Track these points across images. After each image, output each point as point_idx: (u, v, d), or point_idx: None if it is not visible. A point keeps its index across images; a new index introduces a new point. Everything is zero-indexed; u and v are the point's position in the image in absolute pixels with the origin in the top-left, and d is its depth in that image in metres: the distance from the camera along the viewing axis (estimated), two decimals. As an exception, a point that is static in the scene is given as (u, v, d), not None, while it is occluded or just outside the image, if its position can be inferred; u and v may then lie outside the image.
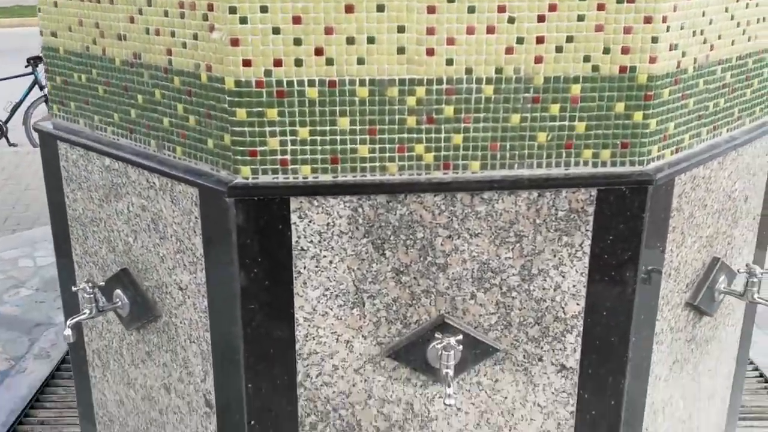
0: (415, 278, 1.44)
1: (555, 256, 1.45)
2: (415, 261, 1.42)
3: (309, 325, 1.45)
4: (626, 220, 1.44)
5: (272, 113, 1.33)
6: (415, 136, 1.36)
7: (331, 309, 1.44)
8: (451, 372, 1.39)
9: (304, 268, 1.41)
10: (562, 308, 1.49)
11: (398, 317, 1.46)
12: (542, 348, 1.52)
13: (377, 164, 1.37)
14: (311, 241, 1.40)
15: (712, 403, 2.05)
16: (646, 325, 1.58)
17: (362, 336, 1.46)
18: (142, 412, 1.84)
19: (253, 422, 1.50)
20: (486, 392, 1.54)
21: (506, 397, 1.55)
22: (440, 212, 1.40)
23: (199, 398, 1.62)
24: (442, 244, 1.42)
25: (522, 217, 1.42)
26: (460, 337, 1.43)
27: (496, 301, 1.47)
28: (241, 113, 1.33)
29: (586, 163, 1.42)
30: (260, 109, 1.32)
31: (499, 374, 1.53)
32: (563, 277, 1.47)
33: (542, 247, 1.44)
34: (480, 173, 1.39)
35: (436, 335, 1.43)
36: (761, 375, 3.01)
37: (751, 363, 2.96)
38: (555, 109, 1.38)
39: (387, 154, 1.37)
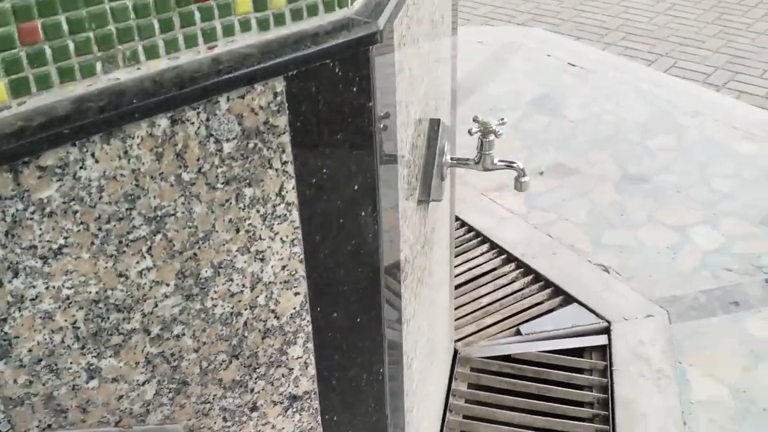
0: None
1: (239, 231, 0.70)
2: None
3: None
4: (345, 123, 0.74)
5: None
6: None
7: None
8: None
9: None
10: (273, 312, 0.78)
11: None
12: (253, 390, 0.81)
13: None
14: None
15: (442, 289, 1.61)
16: (394, 272, 0.97)
17: None
18: None
19: None
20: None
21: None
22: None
23: None
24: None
25: (151, 178, 0.61)
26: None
27: (146, 356, 0.69)
28: None
29: (245, 26, 0.65)
30: None
31: (188, 467, 0.79)
32: (262, 260, 0.74)
33: (210, 223, 0.67)
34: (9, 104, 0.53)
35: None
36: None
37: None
38: None
39: None
